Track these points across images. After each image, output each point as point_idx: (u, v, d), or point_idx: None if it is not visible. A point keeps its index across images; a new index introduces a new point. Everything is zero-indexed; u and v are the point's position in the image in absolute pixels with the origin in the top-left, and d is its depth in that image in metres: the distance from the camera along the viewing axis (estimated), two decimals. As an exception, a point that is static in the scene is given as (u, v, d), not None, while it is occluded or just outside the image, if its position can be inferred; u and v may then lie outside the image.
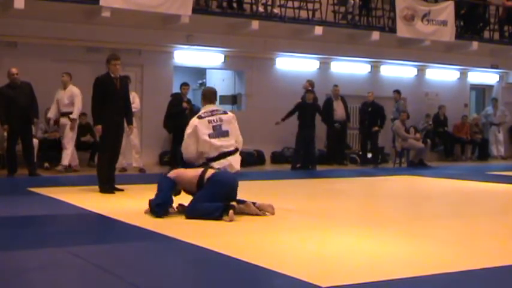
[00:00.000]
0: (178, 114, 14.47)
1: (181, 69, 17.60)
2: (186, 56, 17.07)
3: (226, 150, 8.62)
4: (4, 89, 12.78)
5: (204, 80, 19.39)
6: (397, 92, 18.55)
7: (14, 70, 12.79)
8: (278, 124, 15.82)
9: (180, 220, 7.97)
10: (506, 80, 22.56)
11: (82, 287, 4.89)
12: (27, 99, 12.69)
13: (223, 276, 5.23)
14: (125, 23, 15.32)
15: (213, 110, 8.78)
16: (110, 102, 10.21)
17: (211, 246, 6.14)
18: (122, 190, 10.51)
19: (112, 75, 10.39)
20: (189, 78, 17.96)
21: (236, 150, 8.73)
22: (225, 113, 8.86)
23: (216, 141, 8.58)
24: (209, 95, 9.00)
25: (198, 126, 8.61)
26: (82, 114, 15.13)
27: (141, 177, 13.53)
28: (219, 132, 8.63)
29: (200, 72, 19.09)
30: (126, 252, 6.16)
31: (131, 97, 14.27)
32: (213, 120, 8.67)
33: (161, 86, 16.27)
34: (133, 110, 14.22)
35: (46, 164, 14.25)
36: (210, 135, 8.56)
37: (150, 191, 10.58)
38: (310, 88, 16.18)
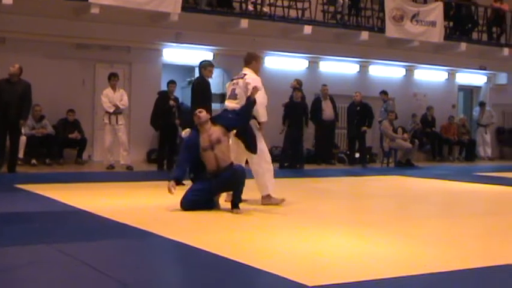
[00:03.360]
0: (165, 112, 14.46)
1: (170, 66, 17.58)
2: (174, 53, 17.06)
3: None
4: None
5: (193, 78, 19.34)
6: (384, 92, 18.58)
7: (14, 66, 12.65)
8: (282, 132, 15.83)
9: (170, 217, 7.98)
10: (494, 82, 22.66)
11: (69, 284, 4.88)
12: (16, 98, 12.51)
13: (211, 274, 5.23)
14: (113, 20, 15.30)
15: (241, 74, 9.27)
16: (208, 102, 10.91)
17: (200, 244, 6.14)
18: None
19: (207, 79, 11.49)
20: (178, 76, 17.93)
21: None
22: (244, 76, 9.14)
23: (227, 103, 9.22)
24: (245, 58, 9.46)
25: (227, 87, 9.53)
26: (70, 111, 15.12)
27: (128, 174, 13.52)
28: (233, 95, 9.15)
29: (189, 70, 19.05)
30: (114, 249, 6.15)
31: (119, 94, 14.36)
32: (234, 83, 9.21)
33: (150, 84, 16.24)
34: (121, 107, 14.32)
35: (33, 161, 14.20)
36: (227, 97, 9.31)
37: (138, 189, 10.60)
38: (298, 87, 16.19)
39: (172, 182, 8.45)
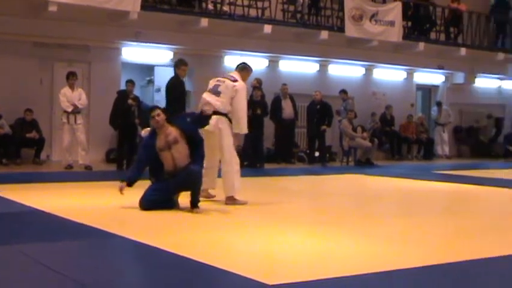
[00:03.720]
0: (124, 112, 14.37)
1: (129, 65, 17.47)
2: (134, 52, 16.94)
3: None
4: None
5: (152, 77, 19.27)
6: (344, 91, 18.66)
7: None
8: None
9: (129, 217, 7.94)
10: (451, 81, 22.94)
11: (27, 285, 4.82)
12: None
13: (172, 274, 5.20)
14: (72, 18, 15.12)
15: (230, 75, 9.40)
16: (181, 100, 11.06)
17: (160, 244, 6.11)
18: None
19: (181, 78, 11.66)
20: (137, 75, 17.84)
21: (216, 112, 9.00)
22: (233, 81, 9.22)
23: (206, 96, 9.16)
24: (239, 65, 9.69)
25: (210, 82, 9.43)
26: (27, 110, 14.92)
27: (87, 174, 13.39)
28: (214, 90, 9.13)
29: (148, 69, 18.97)
30: (72, 250, 6.09)
31: (77, 93, 14.20)
32: (219, 80, 9.26)
33: (109, 83, 16.11)
34: (80, 106, 14.17)
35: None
36: (208, 90, 9.26)
37: (97, 189, 10.51)
38: (257, 86, 16.21)
39: (123, 183, 8.44)
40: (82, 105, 14.26)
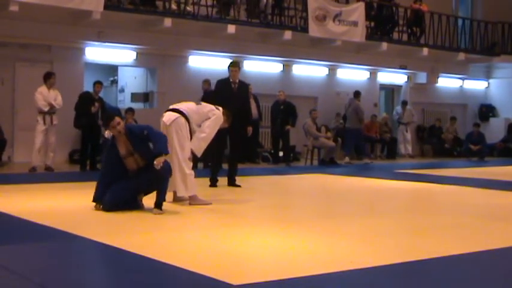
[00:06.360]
0: (88, 114, 14.18)
1: (92, 66, 17.34)
2: (97, 52, 16.81)
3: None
4: None
5: (116, 77, 19.15)
6: (358, 93, 18.86)
7: None
8: None
9: (92, 219, 7.89)
10: (414, 81, 23.18)
11: (-12, 288, 4.77)
12: None
13: (133, 275, 5.18)
14: (34, 18, 14.97)
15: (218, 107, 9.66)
16: (227, 103, 10.65)
17: (121, 244, 6.09)
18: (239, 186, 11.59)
19: (231, 79, 11.65)
20: (101, 75, 17.71)
21: (174, 110, 9.15)
22: (216, 108, 9.56)
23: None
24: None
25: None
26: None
27: (51, 176, 13.22)
28: (197, 101, 9.81)
29: (112, 69, 18.85)
30: (35, 252, 6.03)
31: (54, 94, 13.94)
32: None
33: (72, 83, 15.94)
34: (56, 106, 13.90)
35: None
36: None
37: (61, 190, 10.40)
38: (206, 87, 16.16)
39: (97, 205, 8.36)
40: (58, 105, 13.96)
